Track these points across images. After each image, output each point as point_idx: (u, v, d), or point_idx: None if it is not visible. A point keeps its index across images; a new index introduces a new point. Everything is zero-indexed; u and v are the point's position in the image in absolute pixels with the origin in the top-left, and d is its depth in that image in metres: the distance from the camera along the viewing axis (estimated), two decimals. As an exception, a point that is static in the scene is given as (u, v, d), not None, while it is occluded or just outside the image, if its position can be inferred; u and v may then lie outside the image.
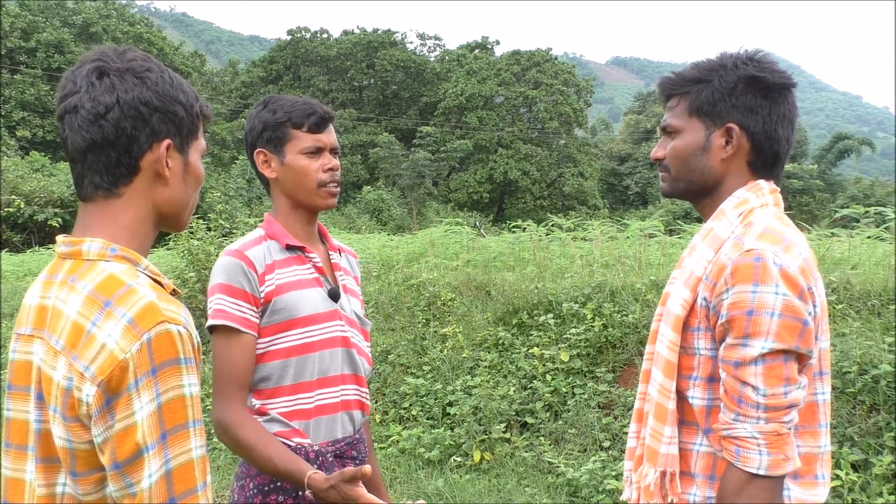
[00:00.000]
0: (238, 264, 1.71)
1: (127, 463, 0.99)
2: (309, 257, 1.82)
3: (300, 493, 1.70)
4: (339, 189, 1.86)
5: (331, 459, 1.76)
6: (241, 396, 1.69)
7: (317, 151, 1.80)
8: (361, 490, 1.56)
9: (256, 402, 1.74)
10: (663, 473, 1.41)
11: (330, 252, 1.92)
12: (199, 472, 1.02)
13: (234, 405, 1.67)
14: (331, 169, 1.82)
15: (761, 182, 1.46)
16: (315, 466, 1.72)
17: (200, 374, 1.08)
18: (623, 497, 1.61)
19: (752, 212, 1.41)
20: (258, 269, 1.72)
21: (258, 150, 1.82)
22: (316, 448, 1.75)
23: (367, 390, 1.90)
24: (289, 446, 1.72)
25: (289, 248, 1.79)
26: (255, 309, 1.70)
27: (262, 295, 1.71)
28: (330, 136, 1.84)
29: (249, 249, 1.74)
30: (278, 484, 1.71)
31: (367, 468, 1.57)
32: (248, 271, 1.70)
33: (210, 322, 1.69)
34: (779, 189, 1.49)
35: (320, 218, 1.95)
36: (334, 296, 1.82)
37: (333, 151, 1.85)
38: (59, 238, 1.14)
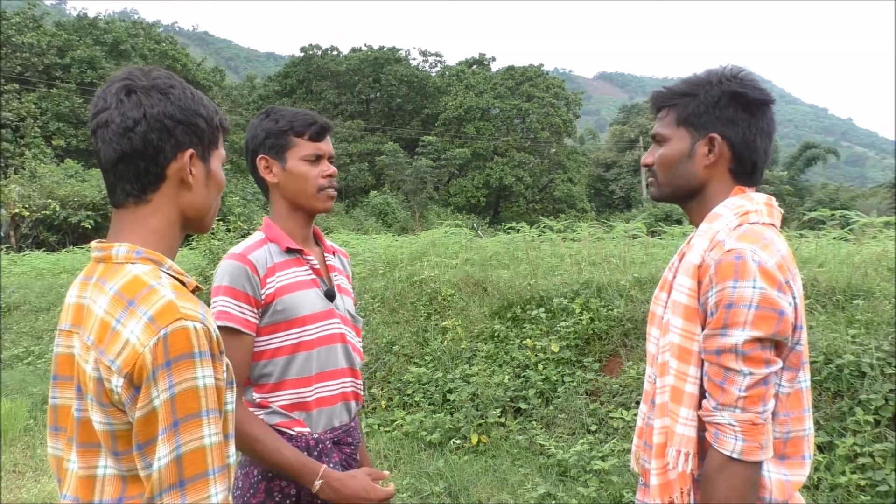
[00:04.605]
0: (242, 268, 1.68)
1: (145, 445, 1.00)
2: (307, 259, 1.80)
3: None
4: (335, 194, 1.84)
5: (329, 446, 1.75)
6: (239, 392, 1.67)
7: (317, 159, 1.79)
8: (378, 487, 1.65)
9: (257, 397, 1.72)
10: (678, 452, 1.38)
11: (325, 254, 1.90)
12: (211, 458, 1.01)
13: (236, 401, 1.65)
14: (329, 175, 1.80)
15: (751, 193, 1.45)
16: (315, 453, 1.71)
17: (222, 364, 1.08)
18: (632, 466, 1.62)
19: (748, 214, 1.40)
20: (260, 273, 1.69)
21: (260, 156, 1.79)
22: (315, 436, 1.73)
23: (361, 382, 1.88)
24: (289, 436, 1.70)
25: (288, 250, 1.77)
26: (255, 310, 1.68)
27: (263, 297, 1.69)
28: (328, 145, 1.83)
29: (252, 253, 1.71)
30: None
31: (386, 473, 1.68)
32: (251, 275, 1.67)
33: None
34: (775, 205, 1.46)
35: (321, 221, 1.92)
36: (330, 296, 1.80)
37: (331, 159, 1.83)
38: (93, 244, 1.15)
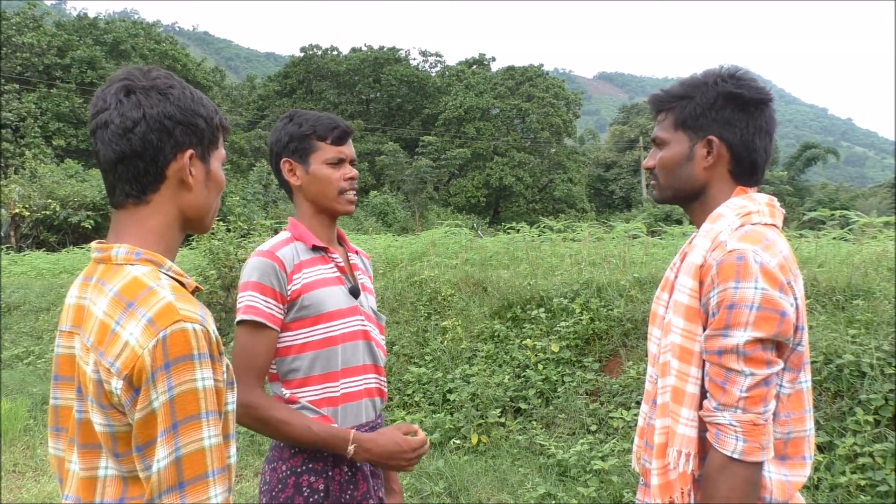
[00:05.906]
0: (271, 265, 1.71)
1: (145, 447, 1.00)
2: (332, 258, 1.83)
3: (329, 473, 1.72)
4: (356, 197, 1.87)
5: None
6: (261, 384, 1.71)
7: (339, 162, 1.82)
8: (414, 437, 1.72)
9: (286, 392, 1.74)
10: (679, 452, 1.38)
11: (349, 253, 1.94)
12: (210, 460, 1.01)
13: (257, 390, 1.68)
14: (351, 178, 1.84)
15: (753, 193, 1.45)
16: None
17: (222, 365, 1.08)
18: (633, 466, 1.62)
19: (750, 214, 1.40)
20: (287, 269, 1.72)
21: (284, 159, 1.83)
22: None
23: (385, 378, 1.92)
24: None
25: (314, 248, 1.80)
26: (281, 306, 1.71)
27: (290, 293, 1.72)
28: (350, 149, 1.87)
29: (280, 250, 1.74)
30: (310, 465, 1.71)
31: (416, 427, 1.75)
32: (279, 271, 1.71)
33: (241, 316, 1.69)
34: (777, 205, 1.46)
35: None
36: (355, 293, 1.84)
37: (352, 162, 1.87)
38: (93, 245, 1.15)
